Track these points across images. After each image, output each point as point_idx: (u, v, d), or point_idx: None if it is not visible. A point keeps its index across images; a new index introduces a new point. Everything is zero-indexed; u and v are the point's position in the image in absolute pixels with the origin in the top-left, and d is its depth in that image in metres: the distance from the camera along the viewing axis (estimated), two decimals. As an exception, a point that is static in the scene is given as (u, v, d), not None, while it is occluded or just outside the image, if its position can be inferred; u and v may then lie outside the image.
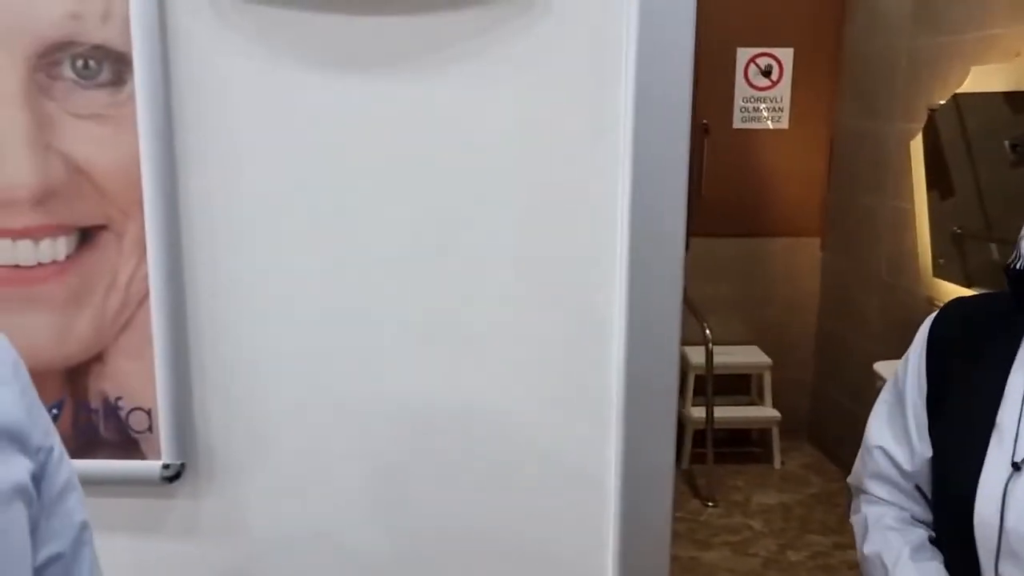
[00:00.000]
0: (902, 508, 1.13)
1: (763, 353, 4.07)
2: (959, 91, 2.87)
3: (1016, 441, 0.96)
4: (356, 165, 1.00)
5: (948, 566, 1.05)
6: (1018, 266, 1.02)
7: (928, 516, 1.09)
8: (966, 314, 1.10)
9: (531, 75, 0.98)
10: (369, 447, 1.08)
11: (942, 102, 2.97)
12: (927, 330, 1.12)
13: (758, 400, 4.08)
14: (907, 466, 1.11)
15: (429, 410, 1.07)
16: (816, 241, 4.11)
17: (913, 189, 3.23)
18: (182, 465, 1.03)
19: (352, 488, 1.09)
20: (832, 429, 4.07)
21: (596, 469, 1.09)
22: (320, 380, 1.05)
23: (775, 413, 3.94)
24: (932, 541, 1.07)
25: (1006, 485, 0.95)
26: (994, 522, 0.95)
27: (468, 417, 1.07)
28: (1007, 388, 1.00)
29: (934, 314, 1.14)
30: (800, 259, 4.14)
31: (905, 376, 1.13)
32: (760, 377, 4.04)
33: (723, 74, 3.91)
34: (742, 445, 4.16)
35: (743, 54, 3.88)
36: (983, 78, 2.77)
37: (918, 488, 1.09)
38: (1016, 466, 0.95)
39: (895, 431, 1.12)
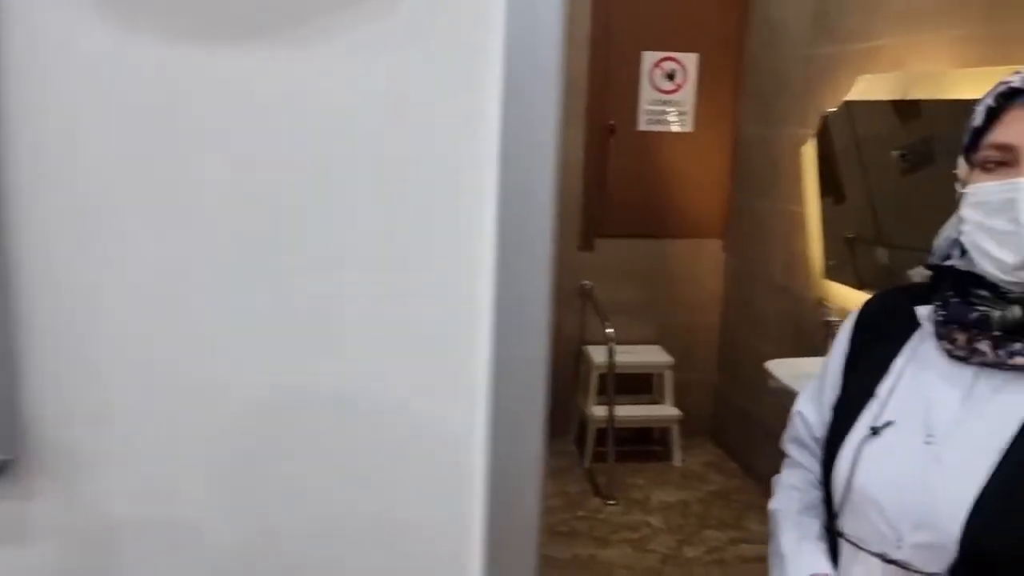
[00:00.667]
0: (809, 470, 1.23)
1: (666, 353, 4.13)
2: (848, 98, 2.96)
3: (882, 411, 1.04)
4: (209, 144, 0.95)
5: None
6: (932, 261, 1.10)
7: None
8: (890, 299, 1.19)
9: (397, 61, 0.95)
10: (223, 440, 1.02)
11: (833, 109, 3.06)
12: (854, 315, 1.21)
13: (660, 399, 4.13)
14: (817, 431, 1.20)
15: (288, 401, 1.02)
16: (719, 243, 4.19)
17: (805, 193, 3.32)
18: (5, 461, 0.95)
19: (205, 483, 1.03)
20: (732, 428, 4.15)
21: (464, 459, 1.06)
22: (170, 370, 0.99)
23: (676, 412, 4.00)
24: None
25: (860, 445, 1.03)
26: (844, 478, 1.04)
27: (330, 407, 1.03)
28: (892, 364, 1.07)
29: (864, 302, 1.23)
30: (703, 260, 4.22)
31: (831, 354, 1.22)
32: (662, 376, 4.10)
33: (629, 77, 3.95)
34: (644, 443, 4.21)
35: (648, 58, 3.93)
36: (870, 86, 2.87)
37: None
38: (874, 430, 1.03)
39: (815, 400, 1.22)
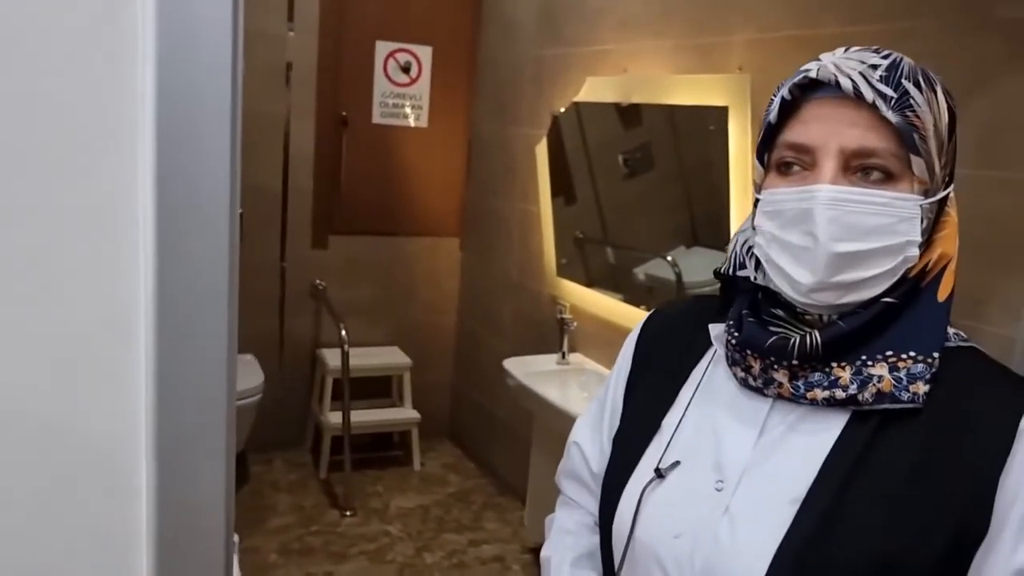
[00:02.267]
0: (587, 511, 1.06)
1: (404, 354, 4.02)
2: (576, 99, 3.02)
3: (668, 447, 0.90)
4: None
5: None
6: (723, 269, 0.96)
7: None
8: (672, 317, 1.05)
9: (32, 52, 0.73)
10: None
11: (563, 109, 3.12)
12: (636, 331, 1.05)
13: (399, 402, 4.02)
14: (595, 466, 1.03)
15: None
16: (456, 241, 4.15)
17: (539, 193, 3.36)
18: None
19: None
20: (470, 428, 4.14)
21: (125, 486, 0.85)
22: None
23: (415, 414, 3.90)
24: None
25: (643, 491, 0.88)
26: (625, 529, 0.89)
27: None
28: (680, 393, 0.94)
29: (648, 314, 1.08)
30: (441, 259, 4.16)
31: (611, 376, 1.06)
32: (401, 378, 3.98)
33: (362, 67, 3.78)
34: (384, 449, 4.08)
35: (382, 48, 3.79)
36: (597, 88, 2.94)
37: None
38: (659, 472, 0.88)
39: (593, 429, 1.06)
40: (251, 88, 3.56)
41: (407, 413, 3.92)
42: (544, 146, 3.28)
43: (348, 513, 3.47)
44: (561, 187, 3.24)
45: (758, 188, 0.88)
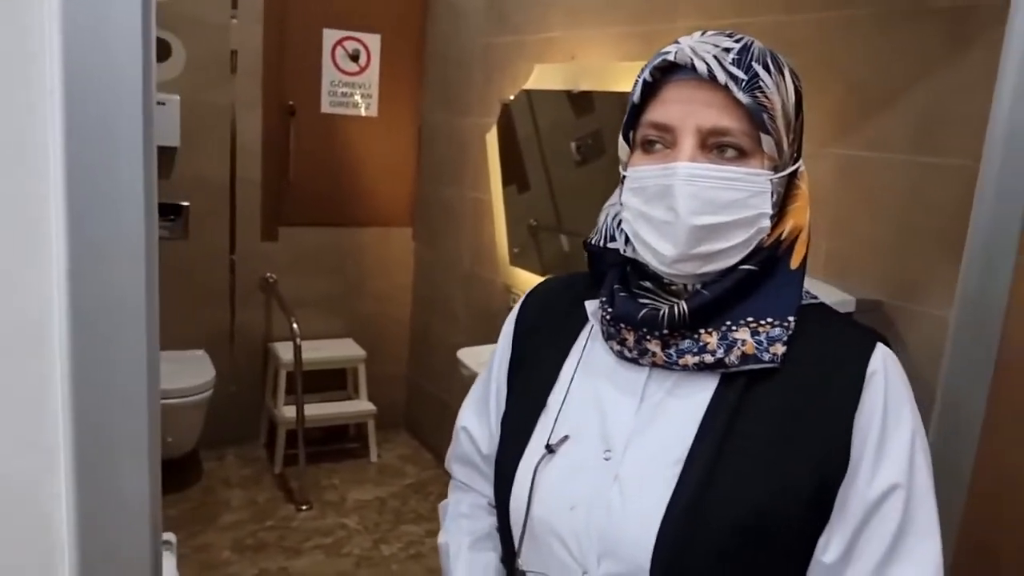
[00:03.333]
0: (481, 493, 1.09)
1: (358, 346, 3.99)
2: (526, 87, 3.01)
3: (556, 424, 0.93)
4: None
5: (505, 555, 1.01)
6: (594, 241, 0.99)
7: None
8: (549, 295, 1.07)
9: None
10: None
11: (512, 97, 3.10)
12: (515, 311, 1.08)
13: (354, 394, 3.99)
14: (485, 448, 1.06)
15: None
16: (408, 231, 4.12)
17: (491, 182, 3.35)
18: None
19: None
20: (426, 418, 4.12)
21: (44, 508, 0.83)
22: None
23: (371, 406, 3.88)
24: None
25: (536, 467, 0.91)
26: (522, 506, 0.91)
27: None
28: (559, 376, 0.97)
29: (526, 294, 1.10)
30: (393, 250, 4.13)
31: (493, 358, 1.09)
32: (356, 371, 3.95)
33: (310, 55, 3.73)
34: (340, 441, 4.05)
35: (330, 36, 3.74)
36: (546, 76, 2.93)
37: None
38: (549, 448, 0.91)
39: (480, 413, 1.08)
40: (195, 78, 3.49)
41: (362, 405, 3.89)
42: (494, 135, 3.26)
43: (304, 507, 3.44)
44: (513, 175, 3.23)
45: (624, 166, 0.92)
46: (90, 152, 0.75)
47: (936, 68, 1.74)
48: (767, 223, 0.86)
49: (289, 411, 3.64)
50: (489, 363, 1.09)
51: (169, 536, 1.15)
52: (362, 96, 3.86)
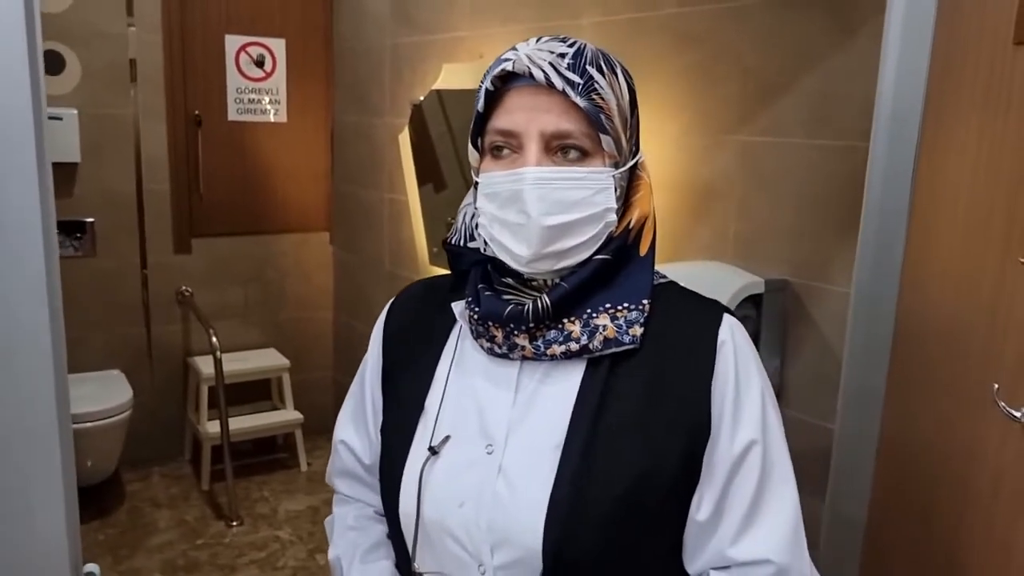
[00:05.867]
0: (367, 504, 1.10)
1: (280, 355, 3.93)
2: (435, 87, 3.01)
3: (436, 425, 0.95)
4: None
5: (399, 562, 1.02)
6: (453, 240, 1.02)
7: None
8: (413, 301, 1.09)
9: None
10: None
11: (422, 98, 3.10)
12: (383, 317, 1.09)
13: (280, 404, 3.93)
14: (366, 459, 1.08)
15: None
16: (326, 236, 4.08)
17: (406, 182, 3.34)
18: None
19: None
20: (356, 422, 4.08)
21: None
22: None
23: (297, 415, 3.83)
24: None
25: (422, 470, 0.93)
26: (412, 510, 0.94)
27: None
28: (434, 379, 0.99)
29: (391, 301, 1.11)
30: (311, 255, 4.08)
31: (364, 369, 1.10)
32: (280, 380, 3.89)
33: (212, 63, 3.65)
34: (268, 452, 3.98)
35: (232, 42, 3.66)
36: (454, 75, 2.94)
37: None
38: (432, 450, 0.94)
39: (357, 424, 1.09)
40: (93, 90, 3.38)
41: (289, 415, 3.83)
42: (407, 135, 3.25)
43: (235, 523, 3.37)
44: (429, 175, 3.23)
45: (476, 171, 0.95)
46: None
47: (825, 55, 1.82)
48: (613, 217, 0.91)
49: (213, 426, 3.56)
50: (360, 375, 1.11)
51: (92, 568, 1.12)
52: (270, 102, 3.80)
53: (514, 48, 0.91)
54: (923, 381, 1.30)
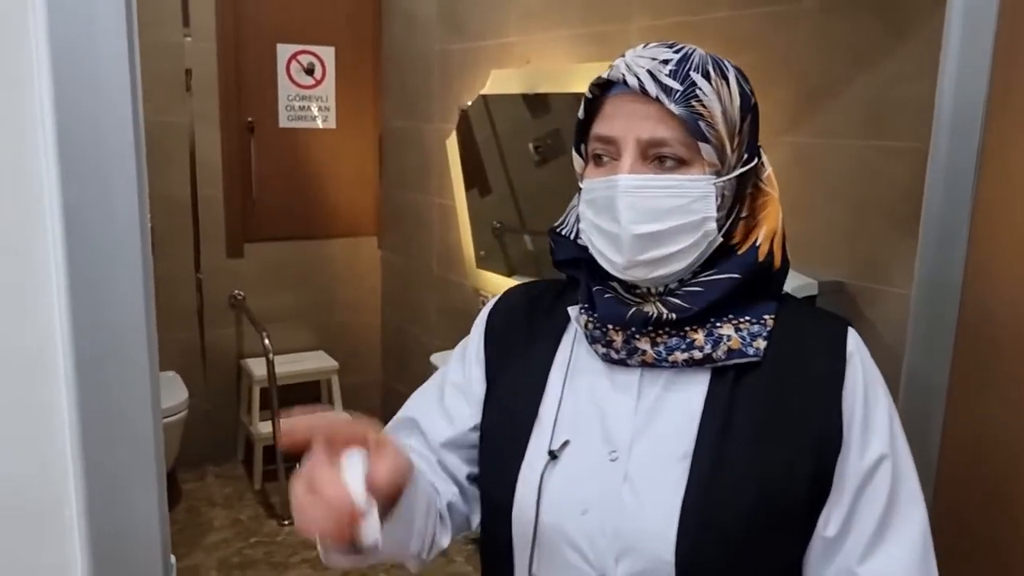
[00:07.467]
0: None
1: (330, 357, 3.99)
2: (483, 92, 3.04)
3: (554, 432, 0.94)
4: None
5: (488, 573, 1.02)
6: (564, 231, 1.01)
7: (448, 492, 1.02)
8: (518, 302, 1.08)
9: None
10: None
11: (470, 103, 3.13)
12: (485, 317, 1.08)
13: (329, 406, 3.99)
14: (437, 438, 1.02)
15: None
16: (374, 240, 4.14)
17: (453, 186, 3.38)
18: None
19: None
20: (403, 424, 4.13)
21: (55, 521, 0.85)
22: None
23: (347, 416, 3.87)
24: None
25: (542, 474, 0.92)
26: (530, 516, 0.92)
27: None
28: (547, 385, 0.98)
29: (492, 301, 1.10)
30: (360, 259, 4.14)
31: (460, 363, 1.07)
32: (329, 382, 3.95)
33: (265, 71, 3.73)
34: (318, 454, 4.04)
35: (284, 51, 3.74)
36: (502, 81, 2.97)
37: (441, 464, 1.02)
38: (552, 454, 0.92)
39: (431, 406, 1.06)
40: (151, 99, 3.47)
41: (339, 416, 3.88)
42: (454, 140, 3.29)
43: (287, 522, 3.43)
44: (475, 179, 3.27)
45: (580, 177, 0.95)
46: (85, 184, 0.78)
47: (878, 57, 1.81)
48: (713, 226, 0.88)
49: (265, 427, 3.64)
50: (443, 370, 1.08)
51: (172, 559, 1.17)
52: (319, 109, 3.87)
53: (621, 55, 0.91)
54: (989, 381, 1.29)
